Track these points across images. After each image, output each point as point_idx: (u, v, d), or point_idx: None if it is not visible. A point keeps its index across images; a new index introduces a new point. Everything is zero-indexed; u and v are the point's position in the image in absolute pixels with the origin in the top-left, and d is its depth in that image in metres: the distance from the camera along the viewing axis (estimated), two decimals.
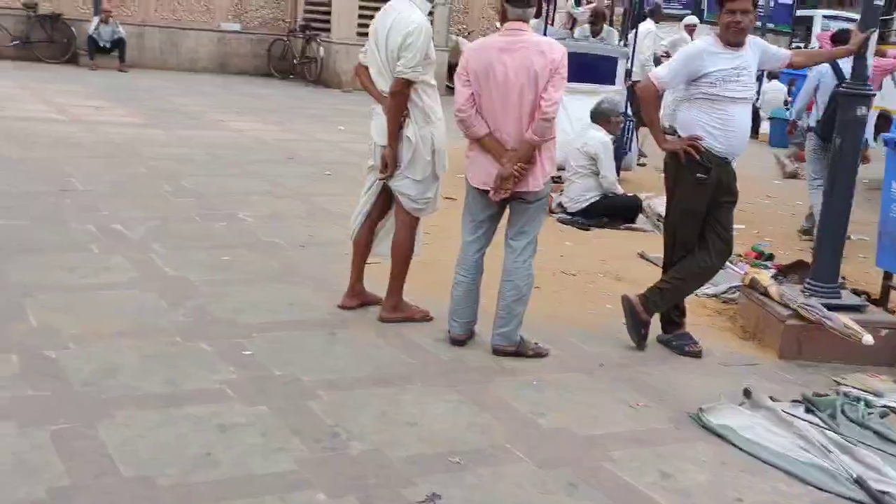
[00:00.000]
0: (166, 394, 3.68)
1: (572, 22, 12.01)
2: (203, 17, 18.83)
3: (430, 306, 4.94)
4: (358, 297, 4.98)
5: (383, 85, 4.57)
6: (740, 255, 6.93)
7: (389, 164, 4.59)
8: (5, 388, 3.56)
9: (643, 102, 5.04)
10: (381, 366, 4.24)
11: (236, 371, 3.97)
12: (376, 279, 5.00)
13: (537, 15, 9.88)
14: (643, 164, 10.50)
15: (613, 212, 7.82)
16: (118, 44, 17.04)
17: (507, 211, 4.55)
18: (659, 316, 4.98)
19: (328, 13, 18.51)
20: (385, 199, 4.85)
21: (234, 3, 19.11)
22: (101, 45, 16.95)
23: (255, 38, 19.19)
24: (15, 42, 16.90)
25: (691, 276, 4.87)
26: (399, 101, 4.49)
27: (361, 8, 18.07)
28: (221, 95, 14.95)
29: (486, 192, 4.39)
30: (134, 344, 4.15)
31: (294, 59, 18.73)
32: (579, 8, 14.83)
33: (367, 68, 4.70)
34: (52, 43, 17.19)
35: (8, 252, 5.33)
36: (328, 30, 18.39)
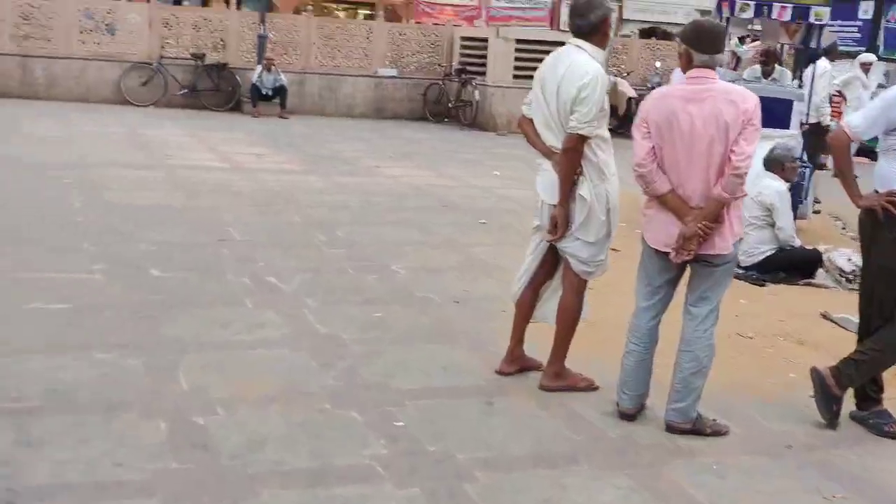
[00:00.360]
0: (313, 469, 3.46)
1: (736, 61, 11.46)
2: (361, 63, 19.15)
3: (595, 373, 4.59)
4: (517, 363, 4.66)
5: (552, 139, 4.26)
6: None
7: (560, 224, 4.26)
8: (152, 460, 3.42)
9: (834, 153, 4.56)
10: (542, 441, 3.90)
11: (387, 445, 3.71)
12: (536, 342, 4.68)
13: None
14: (818, 212, 9.79)
15: (791, 266, 7.25)
16: (280, 91, 17.50)
17: (687, 273, 4.15)
18: (853, 390, 4.45)
19: (484, 57, 18.50)
20: (551, 260, 4.52)
21: (390, 49, 19.37)
22: (264, 92, 17.45)
23: (410, 82, 19.36)
24: (184, 91, 17.61)
25: (891, 346, 4.33)
26: (572, 158, 4.16)
27: (518, 51, 17.97)
28: (376, 141, 15.06)
29: (665, 253, 4.00)
30: (282, 410, 3.97)
31: (449, 103, 18.77)
32: (743, 46, 14.20)
33: (531, 120, 4.41)
34: (217, 91, 17.84)
35: (168, 305, 5.31)
36: (483, 73, 18.35)
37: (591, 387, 4.54)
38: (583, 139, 4.13)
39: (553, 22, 36.80)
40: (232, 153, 12.08)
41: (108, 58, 17.37)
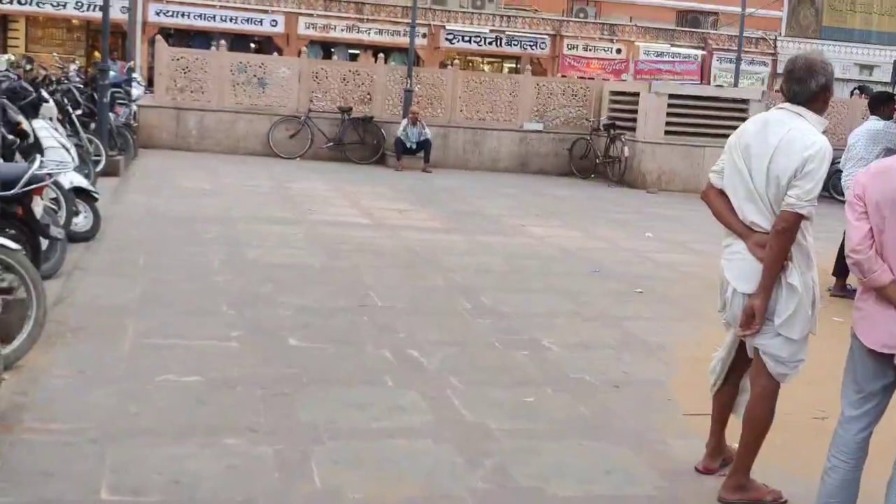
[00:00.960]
0: None
1: None
2: (506, 117, 18.87)
3: (779, 481, 3.94)
4: (720, 455, 4.11)
5: (755, 215, 3.66)
6: None
7: (758, 318, 3.64)
8: None
9: None
10: None
11: None
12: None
13: (889, 116, 8.60)
14: None
15: None
16: (424, 145, 17.37)
17: None
18: None
19: (634, 111, 17.89)
20: (743, 353, 3.91)
21: (536, 102, 19.02)
22: (408, 146, 17.35)
23: (556, 137, 18.93)
24: (329, 143, 17.72)
25: None
26: (785, 239, 3.55)
27: (671, 106, 17.30)
28: (521, 197, 14.64)
29: (885, 355, 3.34)
30: None
31: (597, 159, 18.21)
32: None
33: (721, 192, 3.84)
34: (362, 144, 17.87)
35: (303, 382, 4.95)
36: (633, 129, 17.74)
37: (777, 500, 3.90)
38: (800, 218, 3.55)
39: (703, 75, 35.84)
40: (375, 208, 11.88)
41: (258, 111, 17.68)
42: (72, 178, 7.98)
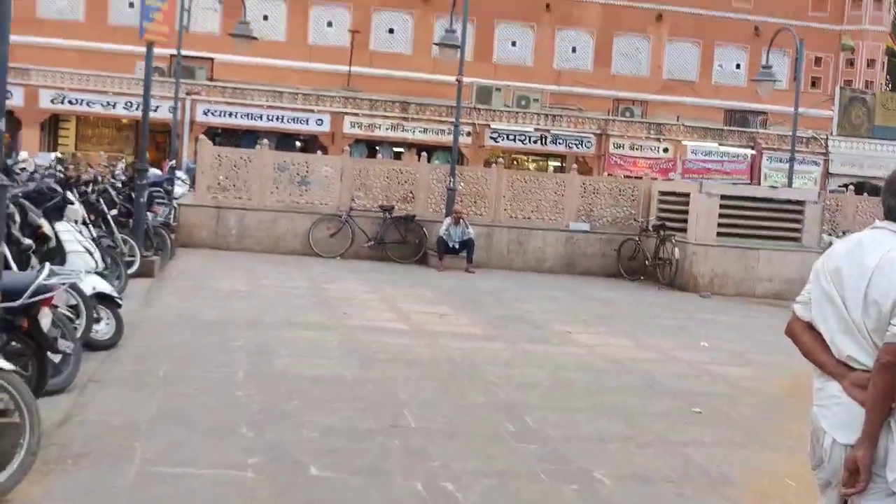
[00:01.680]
0: None
1: None
2: (551, 216, 18.47)
3: None
4: None
5: (852, 349, 3.05)
6: None
7: (864, 473, 2.99)
8: None
9: None
10: None
11: None
12: None
13: None
14: None
15: None
16: (467, 244, 16.98)
17: None
18: None
19: (684, 212, 17.39)
20: None
21: (583, 202, 18.63)
22: (451, 245, 16.98)
23: (603, 237, 18.45)
24: (370, 242, 17.42)
25: None
26: (892, 376, 2.94)
27: (723, 207, 16.79)
28: (567, 300, 14.10)
29: None
30: None
31: (646, 260, 17.65)
32: None
33: (808, 325, 3.27)
34: (404, 243, 17.54)
35: None
36: (684, 230, 17.20)
37: None
38: None
39: (753, 175, 35.37)
40: (413, 312, 11.42)
41: (299, 209, 17.48)
42: (94, 283, 7.63)
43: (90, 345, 7.54)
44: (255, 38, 18.79)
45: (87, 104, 30.86)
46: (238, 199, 17.38)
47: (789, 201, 17.38)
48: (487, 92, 35.28)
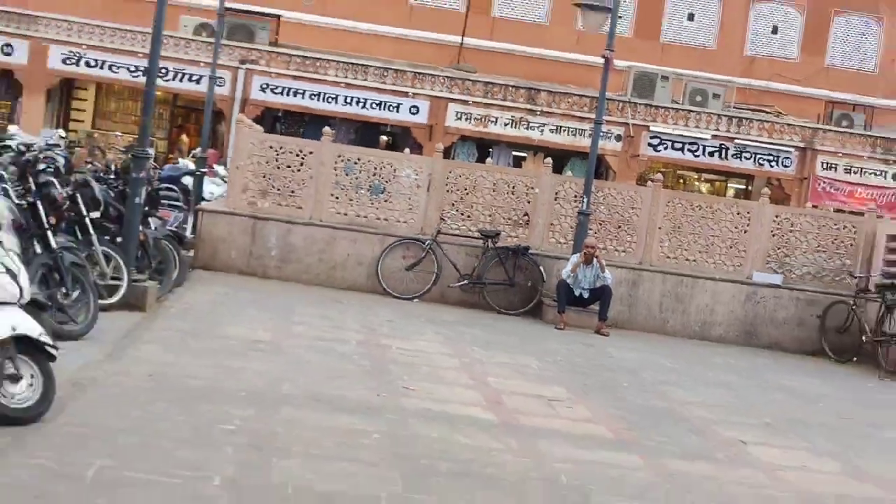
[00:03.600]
0: None
1: None
2: (729, 261, 16.99)
3: None
4: None
5: None
6: None
7: None
8: None
9: None
10: None
11: None
12: None
13: None
14: None
15: None
16: (601, 293, 15.67)
17: None
18: None
19: None
20: None
21: (775, 243, 17.10)
22: (577, 293, 15.72)
23: (802, 296, 16.88)
24: (463, 282, 16.28)
25: None
26: None
27: None
28: (743, 388, 12.67)
29: None
30: None
31: (863, 335, 15.97)
32: None
33: None
34: (511, 286, 16.35)
35: None
36: None
37: None
38: None
39: None
40: (507, 392, 10.18)
41: (367, 228, 16.49)
42: (13, 322, 6.63)
43: None
44: None
45: (110, 68, 30.51)
46: (283, 207, 16.49)
47: None
48: (650, 81, 33.82)
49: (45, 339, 6.85)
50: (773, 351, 16.43)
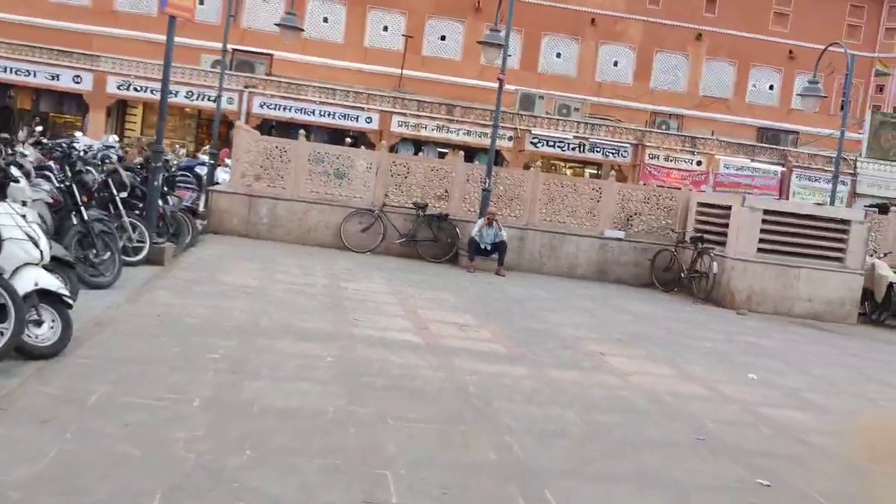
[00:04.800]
0: None
1: None
2: (587, 222, 16.24)
3: None
4: None
5: None
6: None
7: None
8: None
9: None
10: None
11: None
12: None
13: None
14: None
15: None
16: (499, 246, 14.84)
17: None
18: None
19: (722, 225, 15.07)
20: None
21: (619, 210, 16.36)
22: (483, 246, 14.85)
23: (638, 246, 16.18)
24: (402, 239, 15.36)
25: None
26: None
27: (765, 222, 14.44)
28: (600, 312, 11.90)
29: None
30: None
31: (681, 273, 15.34)
32: None
33: None
34: (436, 242, 15.44)
35: None
36: (722, 243, 14.89)
37: None
38: None
39: (782, 191, 32.66)
40: (432, 321, 9.30)
41: (332, 202, 15.46)
42: (36, 278, 5.63)
43: (25, 352, 5.56)
44: (300, 30, 16.74)
45: (151, 91, 29.00)
46: (271, 187, 15.40)
47: (834, 220, 14.95)
48: (531, 99, 32.97)
49: (63, 291, 5.85)
50: (619, 285, 15.76)
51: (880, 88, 40.05)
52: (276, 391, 5.69)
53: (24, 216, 5.73)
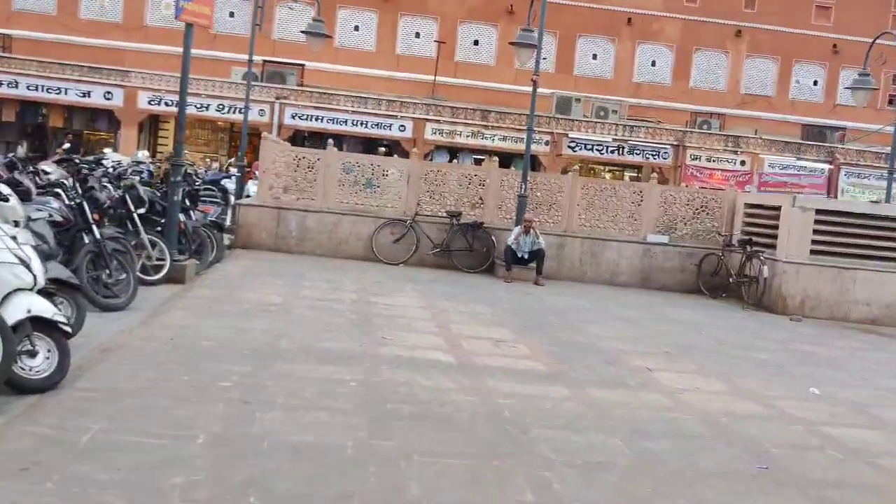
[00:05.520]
0: None
1: None
2: (628, 227, 15.59)
3: None
4: None
5: None
6: None
7: None
8: None
9: None
10: None
11: None
12: None
13: None
14: None
15: None
16: (537, 254, 14.25)
17: None
18: None
19: (772, 226, 14.32)
20: None
21: (661, 213, 15.68)
22: (520, 255, 14.29)
23: (683, 251, 15.48)
24: (436, 250, 14.85)
25: None
26: None
27: (818, 222, 13.67)
28: (644, 322, 11.25)
29: None
30: None
31: (730, 278, 14.60)
32: None
33: None
34: (471, 252, 14.90)
35: None
36: (771, 245, 14.15)
37: None
38: None
39: (830, 189, 31.57)
40: (465, 336, 8.75)
41: (363, 212, 15.01)
42: (29, 305, 5.20)
43: (17, 386, 5.13)
44: (328, 37, 16.36)
45: None
46: (300, 199, 14.99)
47: (891, 218, 14.12)
48: (567, 102, 32.31)
49: (59, 318, 5.40)
50: (663, 291, 15.07)
51: None
52: (290, 423, 5.19)
53: (14, 237, 5.30)
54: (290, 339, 7.59)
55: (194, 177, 13.54)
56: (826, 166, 31.97)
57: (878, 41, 18.37)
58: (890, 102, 38.48)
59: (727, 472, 5.25)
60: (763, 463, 5.47)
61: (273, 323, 8.28)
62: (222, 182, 16.28)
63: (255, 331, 7.79)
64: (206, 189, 14.24)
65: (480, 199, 15.47)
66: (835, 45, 36.98)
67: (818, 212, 13.88)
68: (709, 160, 31.49)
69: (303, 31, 16.70)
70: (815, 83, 37.80)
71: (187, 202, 11.13)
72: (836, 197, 30.61)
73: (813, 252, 13.72)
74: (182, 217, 10.64)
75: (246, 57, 21.70)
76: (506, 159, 28.34)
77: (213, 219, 12.63)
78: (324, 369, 6.65)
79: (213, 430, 4.89)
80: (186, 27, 10.20)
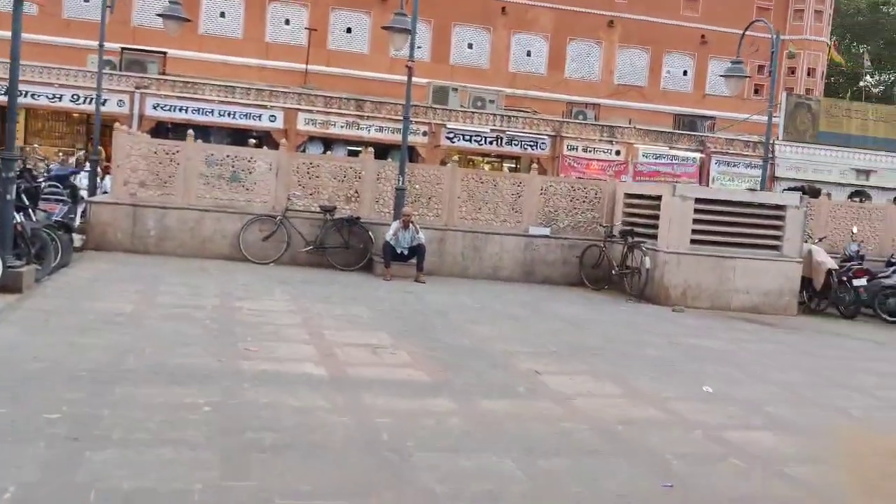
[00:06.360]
0: None
1: None
2: (510, 220, 15.20)
3: None
4: None
5: None
6: None
7: None
8: None
9: None
10: None
11: None
12: None
13: None
14: None
15: None
16: (417, 250, 13.67)
17: None
18: None
19: (652, 216, 14.23)
20: None
21: (543, 204, 15.37)
22: (399, 251, 13.66)
23: (565, 243, 15.22)
24: (309, 247, 14.03)
25: None
26: None
27: (697, 212, 13.64)
28: (531, 320, 10.83)
29: None
30: None
31: (612, 269, 14.44)
32: None
33: None
34: (346, 249, 14.16)
35: None
36: (653, 236, 14.05)
37: None
38: None
39: (702, 178, 32.40)
40: (340, 343, 8.04)
41: (228, 208, 14.01)
42: None
43: None
44: (187, 20, 15.20)
45: (33, 96, 26.83)
46: (159, 195, 13.86)
47: (769, 206, 14.26)
48: (444, 92, 31.88)
49: None
50: (547, 285, 14.78)
51: (791, 71, 40.39)
52: (126, 465, 4.36)
53: None
54: (136, 357, 6.69)
55: (33, 171, 12.22)
56: (697, 155, 32.79)
57: (747, 32, 18.68)
58: (756, 92, 39.95)
59: (631, 492, 4.76)
60: (667, 480, 5.03)
61: (119, 337, 7.33)
62: (71, 178, 14.92)
63: (97, 348, 6.84)
64: (50, 186, 12.92)
65: (356, 192, 14.74)
66: (703, 36, 38.07)
67: (698, 200, 13.86)
68: (585, 150, 31.74)
69: (159, 14, 15.47)
70: (685, 73, 38.82)
71: (25, 200, 9.93)
72: (707, 185, 31.42)
73: (693, 241, 13.70)
74: (19, 217, 9.49)
75: (105, 44, 20.11)
76: (382, 151, 27.67)
77: (59, 218, 11.42)
78: (173, 392, 5.81)
79: (25, 481, 4.02)
80: (15, 4, 9.02)
